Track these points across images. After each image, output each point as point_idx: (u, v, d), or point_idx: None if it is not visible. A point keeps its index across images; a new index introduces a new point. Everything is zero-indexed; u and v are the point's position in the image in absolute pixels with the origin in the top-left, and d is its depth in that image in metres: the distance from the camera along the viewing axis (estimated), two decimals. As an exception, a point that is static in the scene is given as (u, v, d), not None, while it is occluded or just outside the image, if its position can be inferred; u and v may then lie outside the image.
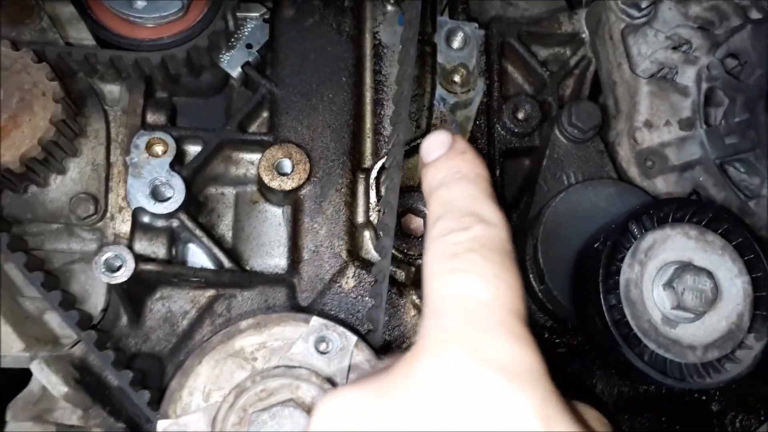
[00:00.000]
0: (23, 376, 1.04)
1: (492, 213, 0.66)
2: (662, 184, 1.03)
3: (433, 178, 0.73)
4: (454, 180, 0.70)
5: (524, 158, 1.16)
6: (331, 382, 0.85)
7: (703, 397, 1.02)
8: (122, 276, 0.91)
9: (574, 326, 0.99)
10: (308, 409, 0.82)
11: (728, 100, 1.06)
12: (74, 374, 0.95)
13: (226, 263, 1.05)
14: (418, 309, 1.08)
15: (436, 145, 0.75)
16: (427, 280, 0.63)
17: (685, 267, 0.83)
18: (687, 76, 1.07)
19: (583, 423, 0.58)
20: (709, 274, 0.83)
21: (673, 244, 0.85)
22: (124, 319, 1.03)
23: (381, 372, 0.63)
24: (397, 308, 1.08)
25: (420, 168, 0.77)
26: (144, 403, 0.90)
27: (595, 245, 0.87)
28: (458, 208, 0.67)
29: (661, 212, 0.86)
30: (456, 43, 1.13)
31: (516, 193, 1.13)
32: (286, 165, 1.07)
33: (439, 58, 1.12)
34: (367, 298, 1.05)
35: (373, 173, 1.09)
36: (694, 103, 1.06)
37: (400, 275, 1.10)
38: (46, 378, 0.90)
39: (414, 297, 1.09)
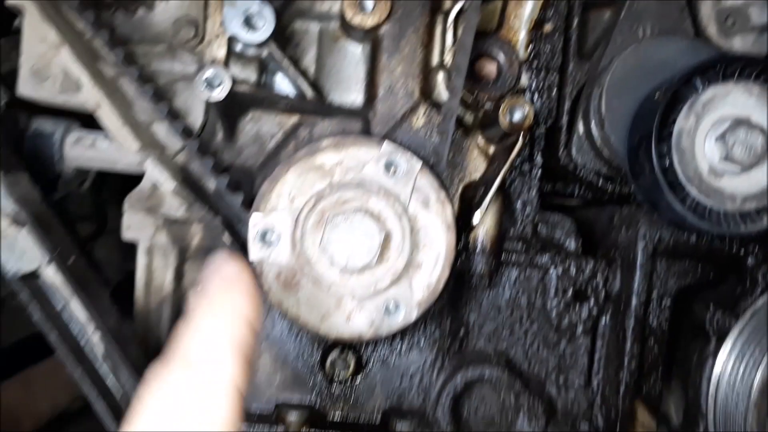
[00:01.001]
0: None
1: None
2: (740, 44, 1.03)
3: None
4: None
5: (605, 9, 1.16)
6: (397, 200, 0.98)
7: (741, 252, 1.08)
8: (220, 94, 1.02)
9: (626, 174, 1.06)
10: (376, 218, 0.95)
11: (829, -40, 1.02)
12: (179, 176, 1.12)
13: (309, 93, 1.16)
14: (482, 150, 1.17)
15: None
16: None
17: (740, 122, 0.87)
18: (788, -70, 1.02)
19: None
20: (763, 131, 0.86)
21: (734, 100, 0.88)
22: (219, 136, 1.17)
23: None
24: (461, 148, 1.17)
25: None
26: (238, 204, 1.06)
27: (656, 95, 0.91)
28: None
29: (728, 68, 0.88)
30: None
31: (593, 44, 1.15)
32: (368, 2, 1.12)
33: None
34: (434, 138, 1.14)
35: (452, 15, 1.13)
36: (789, -39, 1.02)
37: (468, 118, 1.18)
38: (157, 174, 1.07)
39: (479, 139, 1.17)
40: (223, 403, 0.60)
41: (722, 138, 0.88)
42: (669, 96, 0.88)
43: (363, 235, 0.94)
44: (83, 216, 1.72)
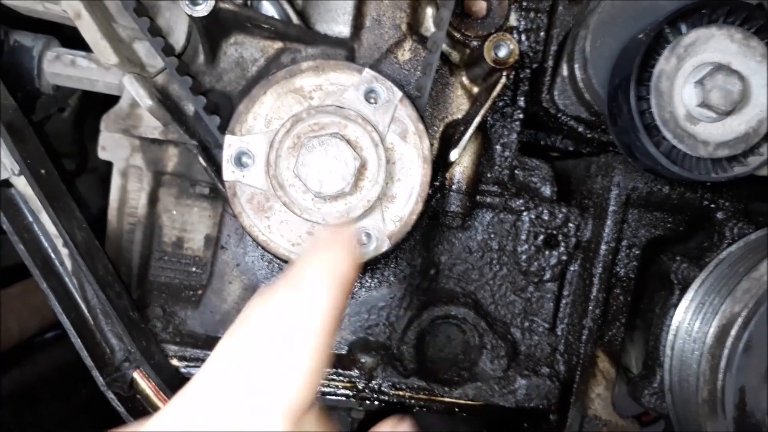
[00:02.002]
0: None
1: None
2: (728, -6, 1.02)
3: None
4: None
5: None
6: (375, 128, 0.97)
7: (712, 205, 1.10)
8: (203, 10, 1.00)
9: (605, 122, 1.06)
10: (352, 145, 0.95)
11: None
12: (157, 95, 1.10)
13: (295, 19, 1.14)
14: (466, 89, 1.16)
15: None
16: None
17: (720, 67, 0.87)
18: None
19: None
20: (741, 77, 0.86)
21: (716, 45, 0.88)
22: (201, 58, 1.15)
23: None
24: (446, 85, 1.16)
25: None
26: (215, 126, 1.04)
27: (641, 36, 0.90)
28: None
29: (714, 12, 0.88)
30: None
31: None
32: (361, -69, 1.10)
33: None
34: (419, 72, 1.13)
35: (443, -51, 1.11)
36: None
37: (455, 56, 1.17)
38: (135, 90, 1.05)
39: (463, 78, 1.16)
40: (318, 325, 0.62)
41: (701, 83, 0.88)
42: (652, 36, 0.88)
43: (338, 161, 0.94)
44: (64, 153, 1.71)
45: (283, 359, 0.59)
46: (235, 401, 0.57)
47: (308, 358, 0.60)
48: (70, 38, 1.21)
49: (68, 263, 1.04)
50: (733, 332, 0.93)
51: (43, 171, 1.04)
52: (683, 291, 1.07)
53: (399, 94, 0.99)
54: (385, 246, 1.00)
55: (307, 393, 0.59)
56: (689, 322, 1.02)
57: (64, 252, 1.04)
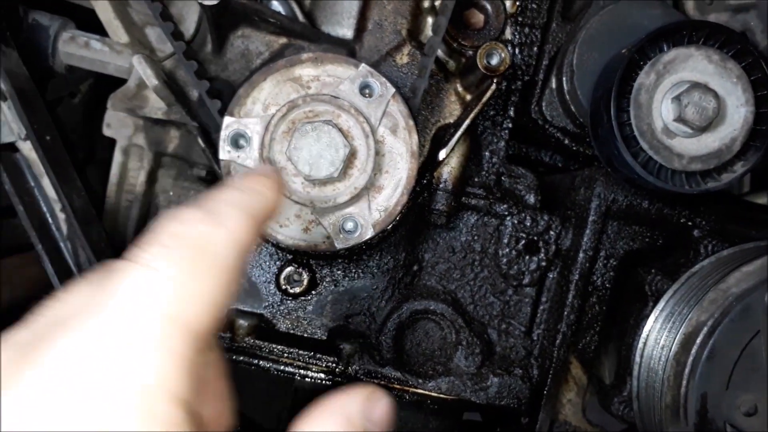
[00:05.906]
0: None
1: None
2: (713, 20, 1.07)
3: None
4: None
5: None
6: (366, 120, 1.02)
7: (689, 223, 1.13)
8: (214, -1, 1.06)
9: (589, 134, 1.10)
10: (343, 133, 0.99)
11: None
12: (164, 77, 1.15)
13: (301, 19, 1.19)
14: (459, 96, 1.21)
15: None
16: None
17: (697, 85, 0.91)
18: None
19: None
20: (716, 96, 0.91)
21: (694, 64, 0.93)
22: (208, 47, 1.20)
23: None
24: (440, 91, 1.21)
25: None
26: (216, 109, 1.09)
27: (623, 51, 0.95)
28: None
29: (694, 33, 0.93)
30: None
31: (578, 9, 1.19)
32: (369, -61, 1.16)
33: None
34: (415, 75, 1.18)
35: (446, -40, 1.17)
36: (769, -54, 1.07)
37: (451, 65, 1.22)
38: (143, 70, 1.10)
39: (458, 85, 1.21)
40: (232, 263, 0.62)
41: (678, 99, 0.92)
42: (634, 52, 0.93)
43: (328, 147, 0.98)
44: (73, 143, 1.76)
45: (196, 284, 0.59)
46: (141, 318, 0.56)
47: (218, 289, 0.60)
48: (85, 23, 1.28)
49: (64, 228, 1.08)
50: (698, 340, 0.96)
51: (48, 138, 1.09)
52: (656, 302, 1.10)
53: (392, 90, 1.04)
54: (369, 233, 1.04)
55: (211, 320, 0.59)
56: (658, 330, 1.05)
57: (62, 217, 1.08)
